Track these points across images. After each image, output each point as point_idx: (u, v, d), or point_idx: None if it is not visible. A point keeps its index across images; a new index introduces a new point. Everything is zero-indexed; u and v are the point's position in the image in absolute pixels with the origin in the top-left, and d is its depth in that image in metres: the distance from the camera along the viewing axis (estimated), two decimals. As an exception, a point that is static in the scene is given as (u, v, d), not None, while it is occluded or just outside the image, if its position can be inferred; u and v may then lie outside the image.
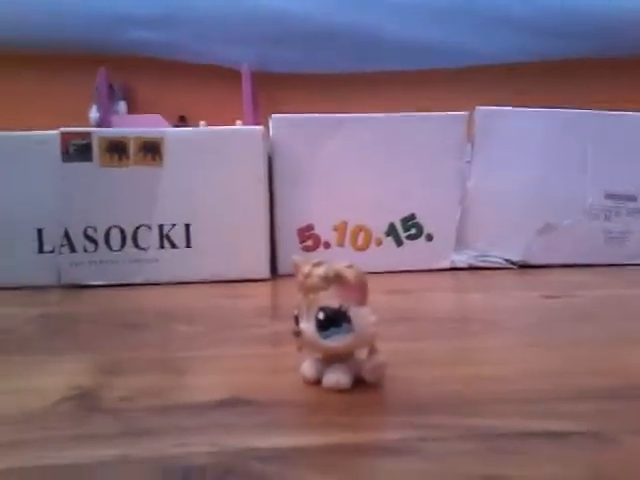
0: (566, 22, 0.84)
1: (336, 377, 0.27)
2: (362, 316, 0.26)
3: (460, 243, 0.63)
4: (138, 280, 0.56)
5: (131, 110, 0.89)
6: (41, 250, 0.55)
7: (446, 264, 0.62)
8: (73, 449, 0.21)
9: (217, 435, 0.22)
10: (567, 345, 0.34)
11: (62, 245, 0.54)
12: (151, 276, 0.56)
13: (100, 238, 0.55)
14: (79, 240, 0.55)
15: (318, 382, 0.27)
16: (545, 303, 0.47)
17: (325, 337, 0.25)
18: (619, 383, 0.28)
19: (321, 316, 0.25)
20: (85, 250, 0.55)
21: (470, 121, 0.62)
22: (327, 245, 0.61)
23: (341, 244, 0.61)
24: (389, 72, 0.81)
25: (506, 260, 0.63)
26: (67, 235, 0.55)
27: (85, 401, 0.26)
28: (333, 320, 0.25)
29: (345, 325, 0.25)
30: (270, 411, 0.25)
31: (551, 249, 0.64)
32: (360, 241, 0.61)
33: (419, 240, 0.62)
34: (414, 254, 0.62)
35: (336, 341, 0.26)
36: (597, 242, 0.65)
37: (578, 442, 0.22)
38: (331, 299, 0.25)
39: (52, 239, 0.55)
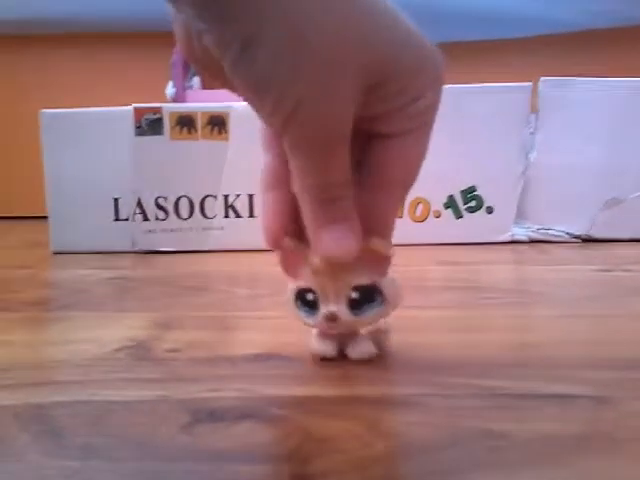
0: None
1: (367, 348, 0.27)
2: (391, 285, 0.26)
3: (521, 216, 0.62)
4: (205, 247, 0.59)
5: (205, 85, 0.93)
6: (117, 218, 0.59)
7: (506, 237, 0.62)
8: (120, 389, 0.25)
9: (246, 384, 0.25)
10: (608, 317, 0.35)
11: (136, 213, 0.59)
12: (217, 243, 0.59)
13: (170, 207, 0.59)
14: (151, 209, 0.59)
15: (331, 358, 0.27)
16: (600, 276, 0.46)
17: (359, 315, 0.25)
18: (637, 355, 0.28)
19: (355, 295, 0.25)
20: (157, 218, 0.59)
21: (534, 92, 0.61)
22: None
23: (399, 215, 0.62)
24: (451, 43, 0.80)
25: (568, 234, 0.62)
26: (140, 204, 0.59)
27: (138, 351, 0.30)
28: (367, 297, 0.25)
29: (378, 298, 0.25)
30: (296, 365, 0.27)
31: (616, 223, 0.62)
32: (419, 213, 0.62)
33: (479, 213, 0.62)
34: (474, 227, 0.62)
35: (371, 316, 0.26)
36: (667, 216, 0.62)
37: (582, 404, 0.23)
38: (362, 276, 0.25)
39: (127, 208, 0.59)
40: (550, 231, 0.62)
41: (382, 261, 0.25)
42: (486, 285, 0.46)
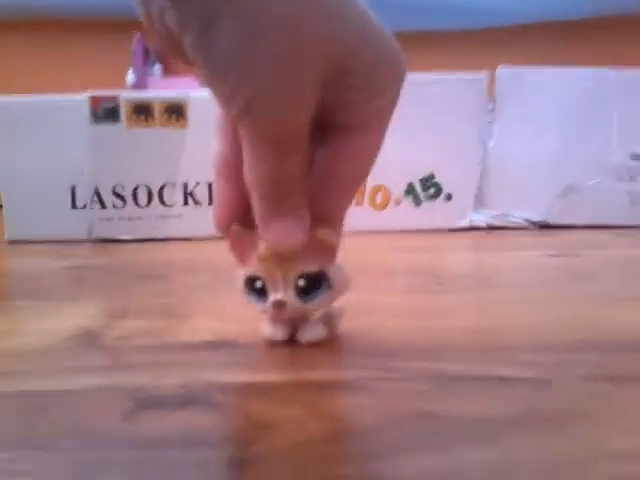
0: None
1: (316, 332, 0.28)
2: (338, 272, 0.26)
3: (480, 203, 0.63)
4: (163, 235, 0.59)
5: (167, 73, 0.92)
6: (74, 206, 0.58)
7: (465, 223, 0.63)
8: (64, 378, 0.25)
9: (192, 371, 0.25)
10: (553, 302, 0.35)
11: (93, 202, 0.58)
12: (176, 231, 0.59)
13: (128, 195, 0.58)
14: (108, 197, 0.58)
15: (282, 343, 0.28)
16: (554, 262, 0.47)
17: (307, 301, 0.26)
18: (586, 337, 0.29)
19: (302, 283, 0.25)
20: (114, 207, 0.58)
21: (492, 81, 0.62)
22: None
23: (360, 203, 0.62)
24: (408, 32, 0.80)
25: (526, 220, 0.63)
26: (97, 192, 0.58)
27: (86, 339, 0.29)
28: (314, 283, 0.26)
29: (325, 284, 0.26)
30: (246, 352, 0.27)
31: (573, 210, 0.63)
32: (379, 200, 0.63)
33: (438, 200, 0.63)
34: (433, 214, 0.63)
35: (318, 302, 0.26)
36: (621, 203, 0.64)
37: (521, 386, 0.23)
38: (310, 264, 0.25)
39: (84, 196, 0.58)
40: (508, 217, 0.63)
41: (329, 250, 0.26)
42: (442, 271, 0.46)
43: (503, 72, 0.62)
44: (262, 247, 0.25)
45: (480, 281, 0.43)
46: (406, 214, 0.62)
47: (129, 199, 0.58)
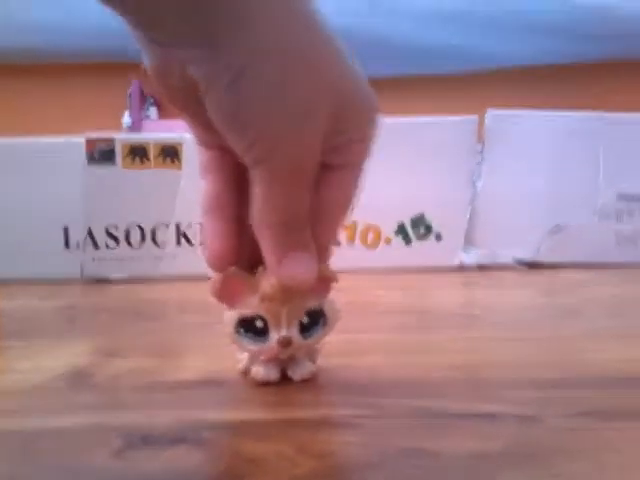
0: (579, 24, 0.83)
1: (307, 368, 0.28)
2: (332, 306, 0.27)
3: (469, 243, 0.64)
4: (157, 275, 0.59)
5: (162, 115, 0.93)
6: (67, 246, 0.59)
7: (455, 263, 0.64)
8: (54, 417, 0.25)
9: (182, 409, 0.25)
10: (540, 340, 0.36)
11: (86, 242, 0.58)
12: (169, 271, 0.59)
13: (121, 235, 0.59)
14: (101, 237, 0.59)
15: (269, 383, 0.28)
16: (541, 301, 0.48)
17: (307, 337, 0.27)
18: (572, 374, 0.29)
19: (306, 319, 0.26)
20: (107, 246, 0.59)
21: (481, 123, 0.63)
22: (337, 243, 0.63)
23: (351, 242, 0.63)
24: (399, 76, 0.82)
25: (515, 259, 0.64)
26: (90, 233, 0.58)
27: (77, 378, 0.29)
28: (314, 319, 0.27)
29: (322, 320, 0.27)
30: (235, 391, 0.28)
31: (561, 249, 0.64)
32: (370, 240, 0.63)
33: (428, 239, 0.64)
34: (423, 253, 0.63)
35: (316, 338, 0.27)
36: (609, 243, 0.65)
37: (506, 422, 0.24)
38: (312, 301, 0.27)
39: (77, 236, 0.59)
40: (497, 257, 0.64)
41: (327, 285, 0.27)
42: (431, 309, 0.47)
43: (492, 115, 0.64)
44: (267, 286, 0.25)
45: (468, 319, 0.43)
46: (397, 253, 0.63)
47: (122, 239, 0.59)
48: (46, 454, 0.21)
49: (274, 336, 0.26)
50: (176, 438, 0.22)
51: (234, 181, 0.26)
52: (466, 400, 0.26)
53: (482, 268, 0.63)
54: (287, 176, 0.23)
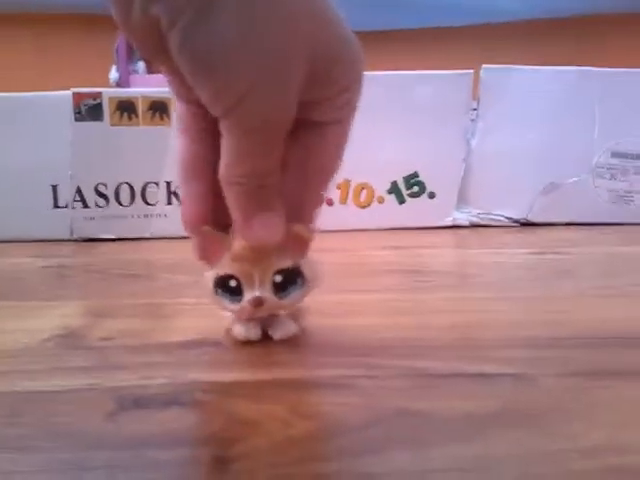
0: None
1: (289, 328, 0.28)
2: (311, 266, 0.27)
3: (462, 201, 0.64)
4: (147, 234, 0.58)
5: (151, 70, 0.91)
6: (56, 205, 0.58)
7: (448, 222, 0.63)
8: (45, 379, 0.24)
9: (175, 371, 0.25)
10: (534, 299, 0.36)
11: (75, 201, 0.57)
12: (159, 230, 0.59)
13: (110, 194, 0.58)
14: (91, 196, 0.58)
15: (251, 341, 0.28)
16: (534, 259, 0.48)
17: (283, 297, 0.26)
18: (566, 333, 0.29)
19: (279, 279, 0.26)
20: (97, 205, 0.58)
21: (476, 79, 0.62)
22: (330, 202, 0.62)
23: (344, 202, 0.62)
24: (394, 30, 0.81)
25: (508, 218, 0.64)
26: (80, 191, 0.58)
27: (68, 340, 0.29)
28: (289, 279, 0.26)
29: (299, 280, 0.26)
30: (228, 351, 0.27)
31: (555, 208, 0.64)
32: (363, 198, 0.63)
33: (421, 198, 0.63)
34: (416, 212, 0.63)
35: (293, 297, 0.26)
36: (602, 201, 0.65)
37: (500, 382, 0.24)
38: (284, 260, 0.26)
39: (66, 195, 0.58)
40: (490, 215, 0.64)
41: (303, 245, 0.26)
42: (424, 269, 0.46)
43: (487, 70, 0.62)
44: (238, 246, 0.25)
45: (462, 278, 0.43)
46: (390, 212, 0.63)
47: (112, 198, 0.58)
48: (36, 417, 0.21)
49: (247, 296, 0.26)
50: (169, 400, 0.22)
51: (212, 139, 0.25)
52: (460, 360, 0.26)
53: (475, 227, 0.63)
54: (257, 129, 0.22)
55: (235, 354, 0.27)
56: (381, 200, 0.63)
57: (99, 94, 0.57)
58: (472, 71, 0.62)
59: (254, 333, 0.28)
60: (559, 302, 0.35)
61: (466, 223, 0.63)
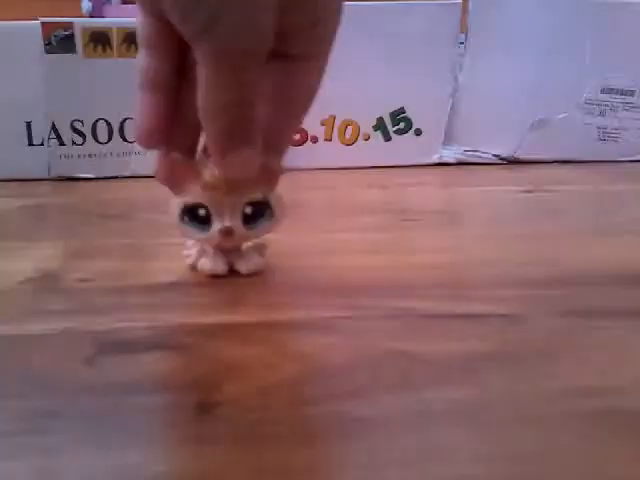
0: None
1: (256, 262, 0.28)
2: (279, 200, 0.27)
3: (449, 138, 0.62)
4: (126, 173, 0.57)
5: (125, 0, 0.87)
6: (30, 143, 0.56)
7: (434, 159, 0.62)
8: (21, 323, 0.23)
9: (158, 313, 0.24)
10: (522, 238, 0.35)
11: (50, 138, 0.55)
12: (139, 169, 0.57)
13: (87, 131, 0.56)
14: (67, 133, 0.55)
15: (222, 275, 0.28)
16: (522, 197, 0.47)
17: (252, 228, 0.26)
18: (555, 273, 0.29)
19: (249, 210, 0.26)
20: (73, 143, 0.56)
21: (464, 10, 0.60)
22: (314, 139, 0.61)
23: (329, 139, 0.61)
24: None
25: (495, 155, 0.63)
26: (55, 128, 0.55)
27: (45, 282, 0.28)
28: (259, 211, 0.26)
29: (268, 212, 0.26)
30: (211, 292, 0.27)
31: (543, 145, 0.63)
32: (348, 135, 0.61)
33: (408, 134, 0.62)
34: (402, 149, 0.62)
35: (262, 229, 0.27)
36: (591, 138, 0.64)
37: (491, 323, 0.23)
38: (256, 192, 0.26)
39: (41, 132, 0.55)
40: (477, 153, 0.63)
41: (273, 178, 0.26)
42: (410, 207, 0.46)
43: (476, 1, 0.60)
44: (209, 175, 0.25)
45: (449, 217, 0.42)
46: (375, 149, 0.61)
47: (88, 135, 0.56)
48: (13, 361, 0.20)
49: (217, 226, 0.25)
50: (151, 344, 0.21)
51: (177, 60, 0.24)
52: (448, 300, 0.26)
53: (462, 164, 0.62)
54: (234, 54, 0.21)
55: (218, 296, 0.26)
56: (367, 137, 0.61)
57: (70, 24, 0.54)
58: (460, 1, 0.59)
59: (221, 266, 0.27)
60: (549, 240, 0.34)
61: (453, 161, 0.62)
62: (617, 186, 0.51)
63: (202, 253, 0.28)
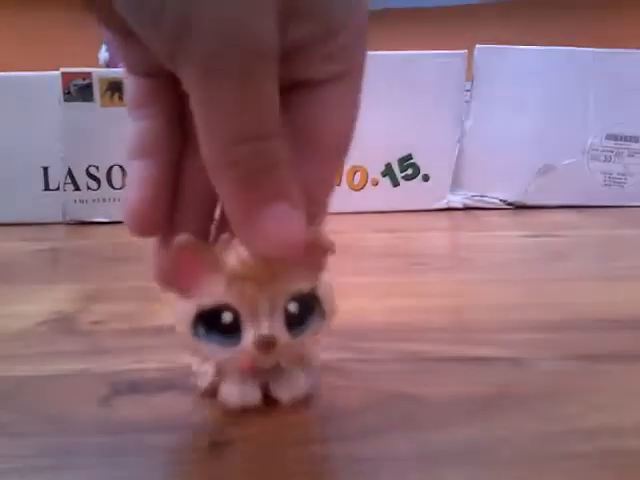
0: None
1: (300, 385, 0.20)
2: (328, 290, 0.20)
3: (456, 184, 0.63)
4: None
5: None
6: (47, 188, 0.57)
7: (442, 204, 0.63)
8: (38, 364, 0.24)
9: (171, 354, 0.25)
10: (528, 282, 0.36)
11: (66, 183, 0.57)
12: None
13: (102, 176, 0.57)
14: (82, 178, 0.57)
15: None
16: (528, 242, 0.48)
17: (297, 335, 0.18)
18: (560, 317, 0.29)
19: (294, 308, 0.18)
20: (88, 188, 0.57)
21: (470, 60, 0.62)
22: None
23: (338, 184, 0.62)
24: (387, 10, 0.80)
25: (502, 200, 0.64)
26: (71, 173, 0.57)
27: (61, 324, 0.29)
28: (307, 308, 0.19)
29: (316, 308, 0.19)
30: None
31: (549, 190, 0.64)
32: (356, 181, 0.62)
33: (415, 180, 0.63)
34: (410, 194, 0.63)
35: (310, 333, 0.19)
36: (596, 183, 0.64)
37: (497, 366, 0.23)
38: (300, 281, 0.18)
39: (57, 177, 0.57)
40: (484, 198, 0.64)
41: (320, 257, 0.19)
42: (418, 251, 0.46)
43: (481, 49, 0.62)
44: (236, 261, 0.17)
45: (456, 261, 0.43)
46: (384, 195, 0.62)
47: (103, 180, 0.57)
48: (29, 402, 0.21)
49: (249, 335, 0.18)
50: (165, 384, 0.22)
51: (177, 120, 0.19)
52: (455, 344, 0.26)
53: (469, 209, 0.63)
54: (231, 58, 0.15)
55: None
56: (375, 182, 0.62)
57: (89, 74, 0.57)
58: (466, 51, 0.61)
59: (252, 394, 0.20)
60: (555, 285, 0.35)
61: (460, 206, 0.63)
62: (622, 231, 0.52)
63: (223, 373, 0.20)
